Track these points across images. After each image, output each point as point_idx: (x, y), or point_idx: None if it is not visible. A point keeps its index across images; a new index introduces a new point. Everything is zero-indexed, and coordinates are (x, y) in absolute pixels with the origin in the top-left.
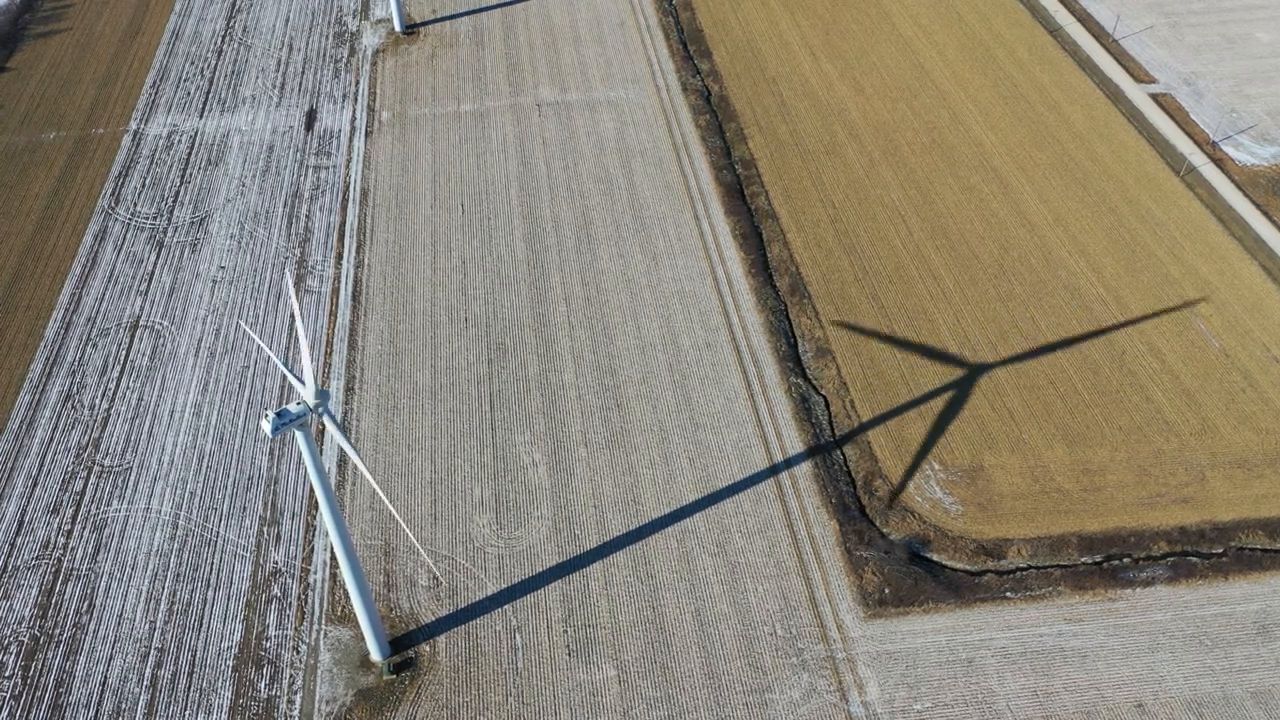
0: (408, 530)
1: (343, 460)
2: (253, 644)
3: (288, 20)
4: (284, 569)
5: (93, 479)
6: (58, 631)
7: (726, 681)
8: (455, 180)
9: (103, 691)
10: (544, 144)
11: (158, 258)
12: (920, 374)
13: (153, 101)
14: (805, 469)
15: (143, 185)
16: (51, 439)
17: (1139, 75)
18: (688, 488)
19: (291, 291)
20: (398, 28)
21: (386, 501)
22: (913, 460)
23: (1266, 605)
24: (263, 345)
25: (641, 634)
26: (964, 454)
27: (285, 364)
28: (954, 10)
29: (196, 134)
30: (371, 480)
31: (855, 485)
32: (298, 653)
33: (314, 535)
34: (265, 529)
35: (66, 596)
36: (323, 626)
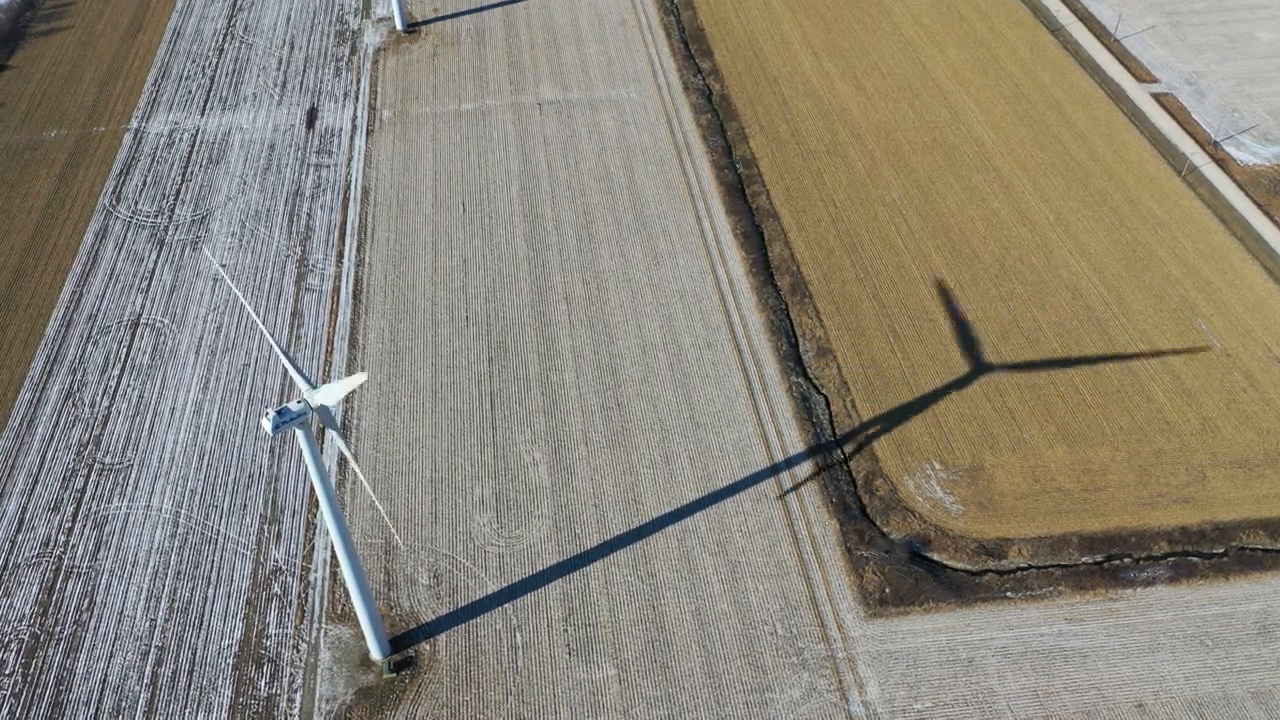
0: (392, 526)
1: (343, 459)
2: (253, 642)
3: (289, 19)
4: (284, 567)
5: (93, 476)
6: (58, 629)
7: (727, 681)
8: (456, 179)
9: (103, 689)
10: (545, 143)
11: (158, 256)
12: (921, 373)
13: (154, 100)
14: (806, 468)
15: (144, 183)
16: (52, 436)
17: (1140, 75)
18: (688, 487)
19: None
20: (399, 26)
21: (377, 502)
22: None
23: (1267, 605)
24: (275, 346)
25: (642, 633)
26: (965, 454)
27: (289, 361)
28: (955, 10)
29: (198, 132)
30: (368, 485)
31: (856, 485)
32: (298, 651)
33: (314, 533)
34: (266, 527)
35: (67, 594)
36: (323, 625)
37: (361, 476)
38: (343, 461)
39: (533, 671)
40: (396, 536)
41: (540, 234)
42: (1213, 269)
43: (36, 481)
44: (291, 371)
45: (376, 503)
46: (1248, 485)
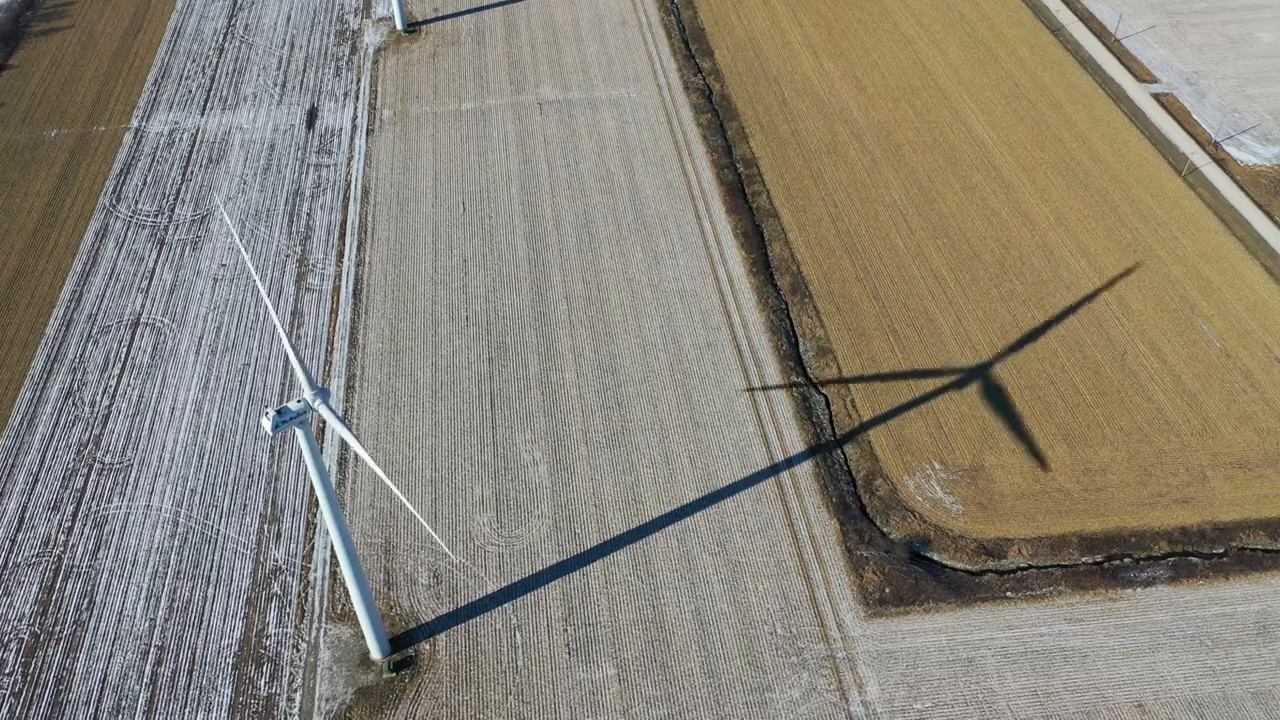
0: (419, 516)
1: (343, 458)
2: (253, 642)
3: (289, 18)
4: (284, 566)
5: (93, 476)
6: (58, 629)
7: (726, 680)
8: (456, 178)
9: (103, 689)
10: (545, 142)
11: (159, 255)
12: (921, 373)
13: (154, 99)
14: (806, 468)
15: (144, 183)
16: (52, 436)
17: (1141, 75)
18: (688, 487)
19: (275, 318)
20: (399, 26)
21: (393, 487)
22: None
23: (1267, 605)
24: (282, 333)
25: (642, 633)
26: (965, 453)
27: (293, 357)
28: (956, 9)
29: (198, 132)
30: (378, 469)
31: (856, 485)
32: (298, 650)
33: (314, 533)
34: (266, 526)
35: (67, 594)
36: (323, 624)
37: (378, 469)
38: (343, 461)
39: (532, 671)
40: (442, 544)
41: (540, 233)
42: (1213, 269)
43: (36, 481)
44: (296, 367)
45: (405, 500)
46: (1248, 485)
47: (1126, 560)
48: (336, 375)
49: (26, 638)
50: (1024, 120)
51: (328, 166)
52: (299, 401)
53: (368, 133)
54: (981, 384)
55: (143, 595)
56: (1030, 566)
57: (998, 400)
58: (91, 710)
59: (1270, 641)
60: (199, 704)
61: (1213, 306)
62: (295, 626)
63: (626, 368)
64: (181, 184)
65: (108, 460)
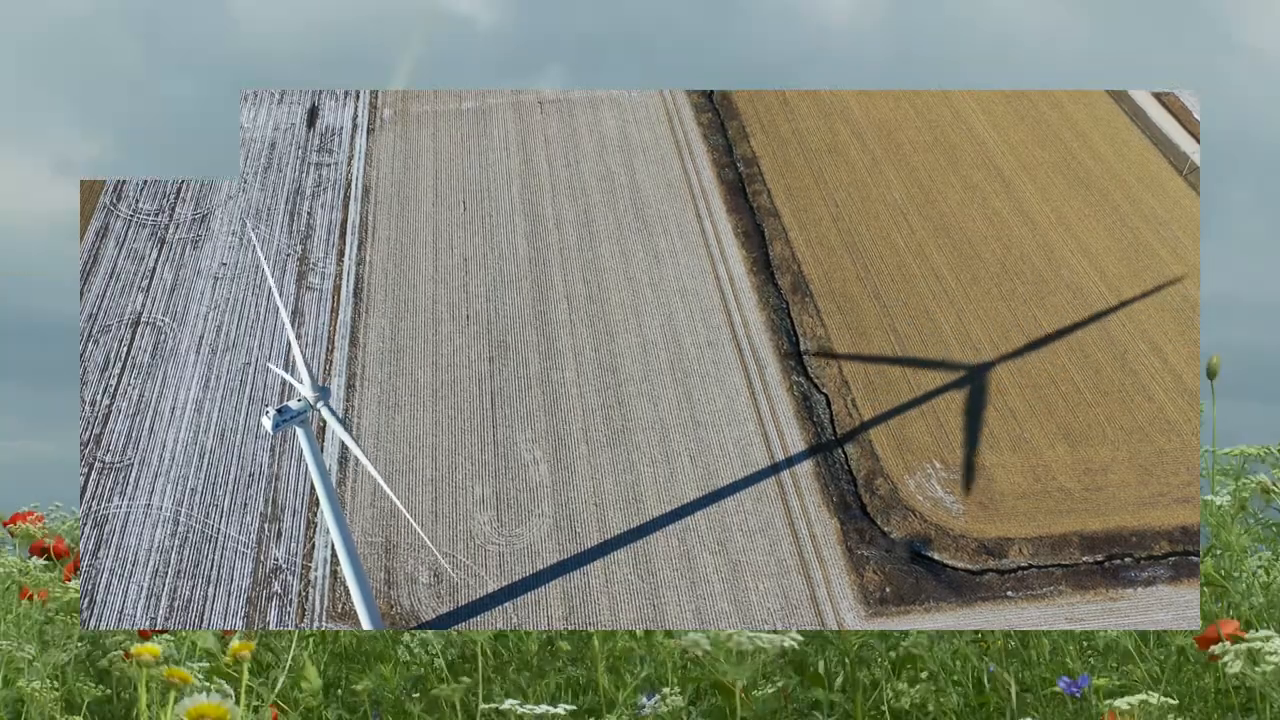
0: (416, 525)
1: (344, 457)
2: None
3: None
4: (285, 565)
5: (93, 475)
6: None
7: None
8: (457, 177)
9: None
10: (546, 141)
11: (159, 254)
12: (922, 373)
13: None
14: (806, 467)
15: (144, 181)
16: None
17: None
18: (689, 486)
19: (280, 302)
20: None
21: (391, 495)
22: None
23: None
24: (296, 350)
25: None
26: (966, 453)
27: (285, 368)
28: None
29: None
30: (376, 475)
31: (856, 484)
32: None
33: (315, 532)
34: (266, 526)
35: None
36: (323, 623)
37: (366, 463)
38: (343, 460)
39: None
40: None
41: (541, 232)
42: None
43: None
44: (293, 374)
45: (390, 493)
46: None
47: (1127, 560)
48: (337, 374)
49: None
50: (1024, 119)
51: (328, 165)
52: (299, 400)
53: (368, 131)
54: (982, 384)
55: (143, 594)
56: (1031, 566)
57: (998, 400)
58: None
59: None
60: None
61: None
62: (296, 625)
63: (627, 366)
64: (182, 183)
65: (108, 459)
